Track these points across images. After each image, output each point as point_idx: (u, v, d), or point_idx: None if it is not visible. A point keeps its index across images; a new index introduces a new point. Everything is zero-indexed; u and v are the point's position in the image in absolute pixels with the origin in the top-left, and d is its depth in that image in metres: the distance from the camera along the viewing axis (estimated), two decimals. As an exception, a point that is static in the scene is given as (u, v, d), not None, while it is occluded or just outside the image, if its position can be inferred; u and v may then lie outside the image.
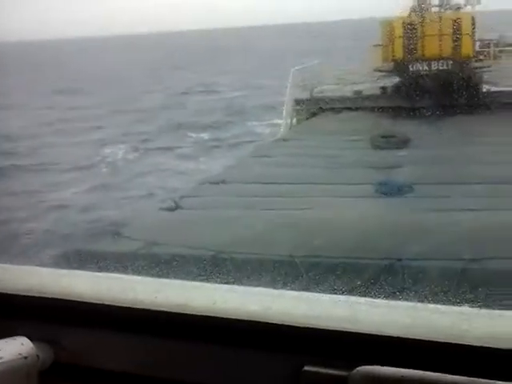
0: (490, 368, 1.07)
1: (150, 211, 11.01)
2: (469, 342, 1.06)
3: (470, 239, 6.69)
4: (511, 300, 5.35)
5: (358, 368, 1.04)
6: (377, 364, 1.05)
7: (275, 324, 1.11)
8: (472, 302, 4.94)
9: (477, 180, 9.06)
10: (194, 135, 25.83)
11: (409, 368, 1.05)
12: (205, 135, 25.82)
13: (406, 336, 1.09)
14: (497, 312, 1.17)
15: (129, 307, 1.16)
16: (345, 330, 1.08)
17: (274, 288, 1.27)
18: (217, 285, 1.28)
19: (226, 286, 1.29)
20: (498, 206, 7.87)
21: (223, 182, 10.15)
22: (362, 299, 1.19)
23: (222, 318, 1.14)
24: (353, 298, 1.19)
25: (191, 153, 22.40)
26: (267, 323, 1.12)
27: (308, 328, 1.10)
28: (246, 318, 1.13)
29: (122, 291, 1.20)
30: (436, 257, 6.38)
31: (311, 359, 1.10)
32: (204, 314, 1.15)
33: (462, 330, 1.08)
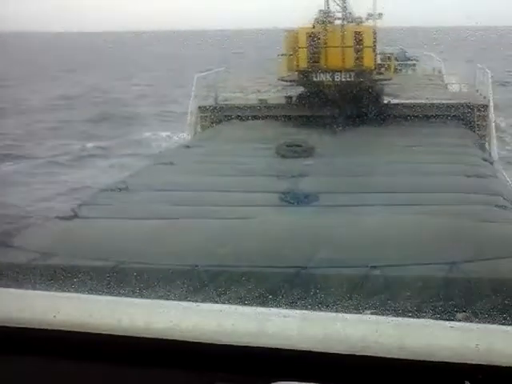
0: (401, 380, 1.05)
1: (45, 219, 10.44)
2: (379, 354, 1.04)
3: (374, 246, 6.84)
4: (413, 305, 5.50)
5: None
6: (292, 378, 1.01)
7: (185, 341, 1.05)
8: (375, 309, 5.04)
9: (380, 189, 9.34)
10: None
11: (323, 382, 1.02)
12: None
13: (318, 350, 1.04)
14: (405, 321, 1.15)
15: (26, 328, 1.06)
16: (256, 345, 1.04)
17: (179, 300, 1.19)
18: (121, 298, 1.21)
19: (130, 299, 1.21)
20: (398, 214, 8.14)
21: (126, 189, 9.82)
22: (274, 310, 1.13)
23: (129, 337, 1.06)
24: (263, 310, 1.14)
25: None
26: (176, 341, 1.05)
27: (218, 345, 1.05)
28: (153, 336, 1.06)
29: (19, 309, 1.09)
30: (340, 264, 6.47)
31: (224, 376, 1.05)
32: (107, 332, 1.06)
33: (372, 341, 1.06)
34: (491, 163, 12.34)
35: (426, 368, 1.04)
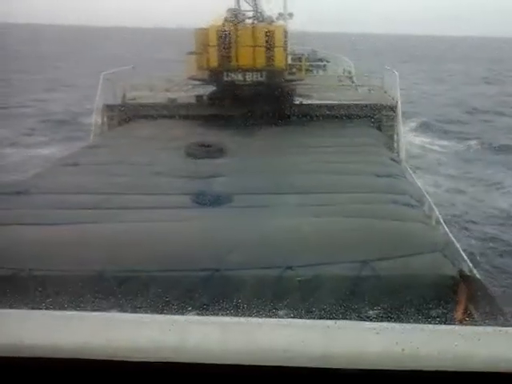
0: None
1: None
2: (304, 364, 1.02)
3: (287, 247, 6.92)
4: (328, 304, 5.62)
5: None
6: None
7: (96, 360, 0.98)
8: (290, 309, 5.09)
9: (292, 189, 9.48)
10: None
11: None
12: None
13: (241, 363, 1.00)
14: (331, 325, 1.12)
15: None
16: (175, 361, 0.99)
17: (80, 309, 1.11)
18: (21, 311, 1.11)
19: (32, 311, 1.10)
20: (310, 214, 8.28)
21: (25, 192, 9.38)
22: (193, 319, 1.08)
23: (31, 358, 0.97)
24: (179, 318, 1.08)
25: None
26: (87, 360, 0.98)
27: (132, 362, 0.99)
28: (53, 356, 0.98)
29: None
30: (254, 266, 6.50)
31: None
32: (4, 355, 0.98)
33: (297, 351, 1.03)
34: (399, 163, 12.88)
35: (351, 376, 1.04)
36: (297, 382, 1.03)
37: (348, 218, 7.96)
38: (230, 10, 16.65)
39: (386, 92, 17.77)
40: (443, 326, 1.14)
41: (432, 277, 6.38)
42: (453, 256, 7.11)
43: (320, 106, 16.09)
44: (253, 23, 16.92)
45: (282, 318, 4.47)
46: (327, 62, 24.23)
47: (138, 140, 13.74)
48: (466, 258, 7.30)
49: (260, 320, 1.10)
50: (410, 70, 60.59)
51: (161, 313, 1.14)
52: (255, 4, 17.99)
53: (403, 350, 1.05)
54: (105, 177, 10.34)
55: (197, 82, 17.22)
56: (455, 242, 7.95)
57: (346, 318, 5.25)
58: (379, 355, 1.05)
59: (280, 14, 18.03)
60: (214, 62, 15.71)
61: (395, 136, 15.82)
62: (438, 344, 1.08)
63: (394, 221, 7.95)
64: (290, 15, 18.06)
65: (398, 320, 5.24)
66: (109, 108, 16.47)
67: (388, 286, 6.19)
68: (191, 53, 16.66)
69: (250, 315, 4.76)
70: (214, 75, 15.94)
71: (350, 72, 23.19)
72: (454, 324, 5.66)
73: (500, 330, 1.16)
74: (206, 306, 5.88)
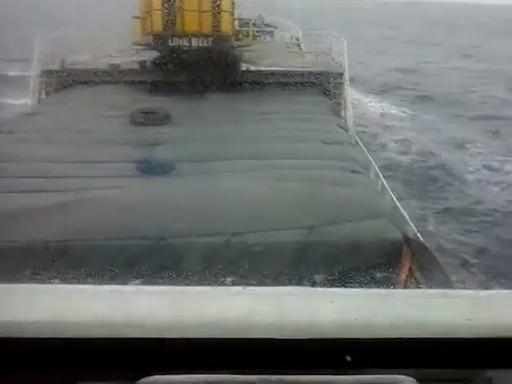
0: (281, 360, 1.01)
1: None
2: (256, 336, 0.99)
3: (233, 214, 6.91)
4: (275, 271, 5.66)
5: (142, 379, 0.90)
6: (164, 370, 0.92)
7: (39, 339, 0.92)
8: (237, 276, 5.08)
9: (238, 156, 9.44)
10: None
11: (200, 370, 0.94)
12: None
13: (192, 336, 0.96)
14: (282, 290, 1.10)
15: None
16: (121, 337, 0.93)
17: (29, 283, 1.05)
18: None
19: None
20: (257, 181, 8.29)
21: None
22: (139, 289, 1.03)
23: None
24: (127, 289, 1.05)
25: None
26: (28, 339, 0.92)
27: (78, 339, 0.93)
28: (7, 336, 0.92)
29: None
30: (200, 233, 6.47)
31: (85, 374, 0.94)
32: None
33: (249, 324, 1.00)
34: (346, 130, 13.00)
35: (306, 345, 1.02)
36: (251, 353, 1.00)
37: (296, 184, 7.99)
38: None
39: (333, 59, 17.80)
40: (397, 291, 1.14)
41: (378, 242, 6.50)
42: (398, 221, 7.26)
43: (267, 73, 16.01)
44: (199, -14, 16.55)
45: (229, 285, 4.48)
46: (274, 27, 24.10)
47: (77, 107, 13.37)
48: (410, 222, 7.46)
49: (208, 289, 1.07)
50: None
51: (103, 284, 1.09)
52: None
53: (356, 319, 1.04)
54: (42, 145, 10.03)
55: (141, 48, 16.82)
56: (400, 207, 8.11)
57: (293, 284, 5.30)
58: (333, 324, 1.04)
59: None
60: (159, 27, 15.35)
61: (342, 103, 15.92)
62: (392, 311, 1.07)
63: (340, 187, 8.05)
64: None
65: (345, 285, 5.34)
66: (46, 73, 15.93)
67: (335, 251, 6.27)
68: (136, 17, 16.24)
69: (197, 284, 4.75)
70: (159, 40, 15.59)
71: (297, 38, 23.12)
72: (401, 288, 5.81)
73: (453, 293, 1.20)
74: (151, 276, 5.83)
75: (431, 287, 5.52)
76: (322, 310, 1.05)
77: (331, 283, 5.57)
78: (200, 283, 5.00)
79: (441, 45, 64.13)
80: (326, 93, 15.91)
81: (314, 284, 5.49)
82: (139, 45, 16.62)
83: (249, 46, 17.57)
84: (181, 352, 0.97)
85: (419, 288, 5.66)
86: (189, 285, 1.16)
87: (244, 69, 16.43)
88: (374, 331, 1.04)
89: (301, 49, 20.94)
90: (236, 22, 17.72)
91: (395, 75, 40.60)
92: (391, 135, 22.22)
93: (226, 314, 1.00)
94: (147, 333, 0.95)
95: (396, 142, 21.14)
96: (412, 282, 6.06)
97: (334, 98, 15.94)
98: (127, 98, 14.22)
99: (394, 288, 5.61)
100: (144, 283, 5.42)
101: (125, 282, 5.34)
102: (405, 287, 5.91)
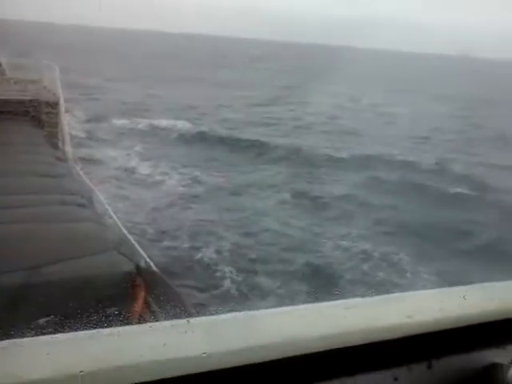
0: None
1: None
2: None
3: None
4: None
5: None
6: None
7: None
8: None
9: None
10: None
11: None
12: None
13: None
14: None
15: None
16: None
17: None
18: None
19: None
20: None
21: None
22: None
23: None
24: None
25: None
26: None
27: None
28: None
29: None
30: None
31: None
32: None
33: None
34: (65, 161, 12.59)
35: None
36: None
37: (14, 223, 7.44)
38: None
39: (45, 87, 17.18)
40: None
41: (108, 275, 6.36)
42: (129, 252, 7.21)
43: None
44: None
45: None
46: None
47: None
48: (142, 252, 7.48)
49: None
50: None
51: None
52: None
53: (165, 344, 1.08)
54: None
55: None
56: (130, 238, 8.10)
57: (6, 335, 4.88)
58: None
59: None
60: None
61: (59, 133, 15.43)
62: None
63: (63, 223, 7.72)
64: None
65: (75, 325, 5.09)
66: None
67: (61, 290, 5.96)
68: None
69: None
70: None
71: (0, 64, 21.73)
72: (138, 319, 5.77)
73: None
74: None
75: (169, 318, 5.57)
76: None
77: (58, 326, 5.25)
78: None
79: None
80: (38, 123, 15.22)
81: (39, 329, 5.12)
82: None
83: None
84: None
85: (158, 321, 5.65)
86: None
87: None
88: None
89: (4, 75, 19.66)
90: None
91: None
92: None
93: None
94: None
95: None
96: (146, 313, 6.04)
97: (49, 127, 15.33)
98: None
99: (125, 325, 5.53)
100: None
101: None
102: (139, 321, 5.88)
